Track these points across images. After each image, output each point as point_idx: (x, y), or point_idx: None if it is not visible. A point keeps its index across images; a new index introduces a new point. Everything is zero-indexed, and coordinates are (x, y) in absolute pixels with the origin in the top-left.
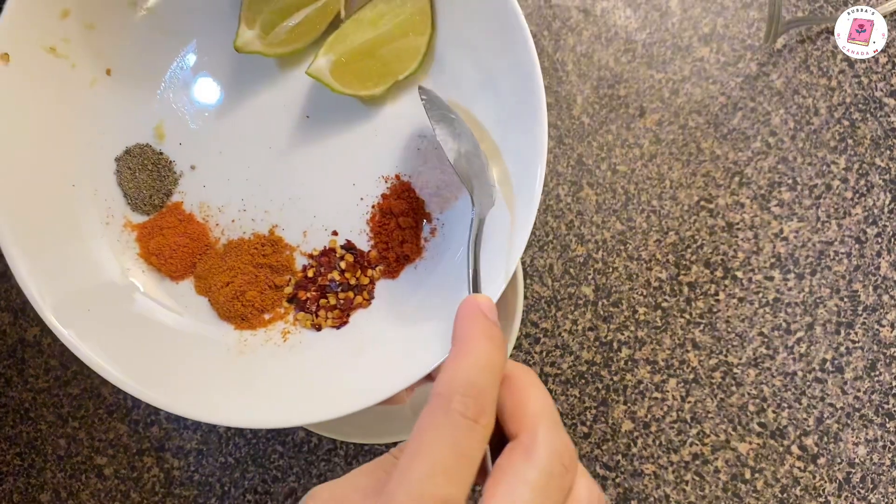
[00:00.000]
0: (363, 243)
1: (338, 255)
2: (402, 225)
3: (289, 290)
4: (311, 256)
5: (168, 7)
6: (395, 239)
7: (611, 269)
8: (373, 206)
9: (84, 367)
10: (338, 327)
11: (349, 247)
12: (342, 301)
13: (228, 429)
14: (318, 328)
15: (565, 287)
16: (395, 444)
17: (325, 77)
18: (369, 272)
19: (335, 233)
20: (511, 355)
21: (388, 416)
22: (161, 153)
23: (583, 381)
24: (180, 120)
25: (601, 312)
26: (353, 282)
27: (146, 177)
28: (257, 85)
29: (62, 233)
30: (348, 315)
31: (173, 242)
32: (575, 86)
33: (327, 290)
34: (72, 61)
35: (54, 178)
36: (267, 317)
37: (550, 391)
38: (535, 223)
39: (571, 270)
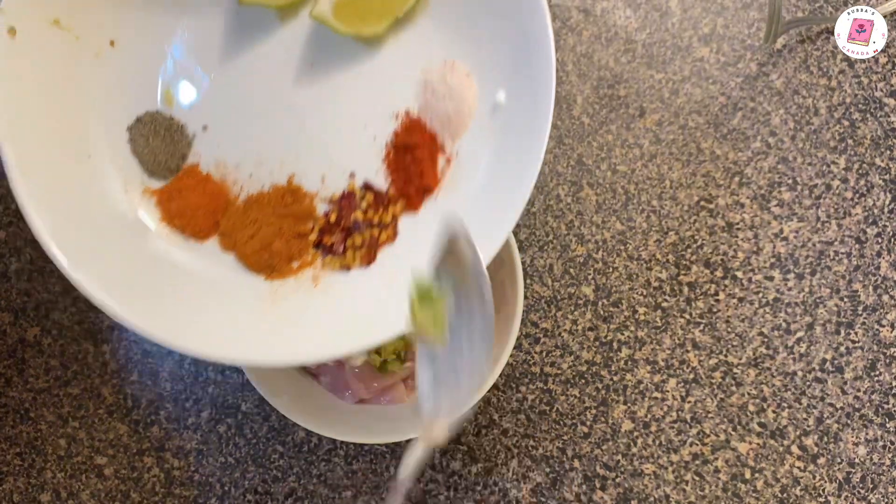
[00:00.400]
0: (381, 182)
1: (358, 196)
2: (418, 157)
3: (313, 236)
4: (331, 201)
5: None
6: (414, 172)
7: (611, 269)
8: (387, 144)
9: (84, 368)
10: (367, 265)
11: (368, 187)
12: (368, 239)
13: (228, 428)
14: (348, 268)
15: (565, 287)
16: (395, 444)
17: (329, 19)
18: (391, 209)
19: (352, 175)
20: (511, 355)
21: (388, 416)
22: (172, 118)
23: (583, 381)
24: (187, 83)
25: (601, 312)
26: (376, 220)
27: (160, 142)
28: (259, 39)
29: (85, 204)
30: (375, 252)
31: (194, 203)
32: (575, 86)
33: (353, 230)
34: (76, 33)
35: (70, 150)
36: (295, 265)
37: (550, 391)
38: (535, 223)
39: (571, 270)
